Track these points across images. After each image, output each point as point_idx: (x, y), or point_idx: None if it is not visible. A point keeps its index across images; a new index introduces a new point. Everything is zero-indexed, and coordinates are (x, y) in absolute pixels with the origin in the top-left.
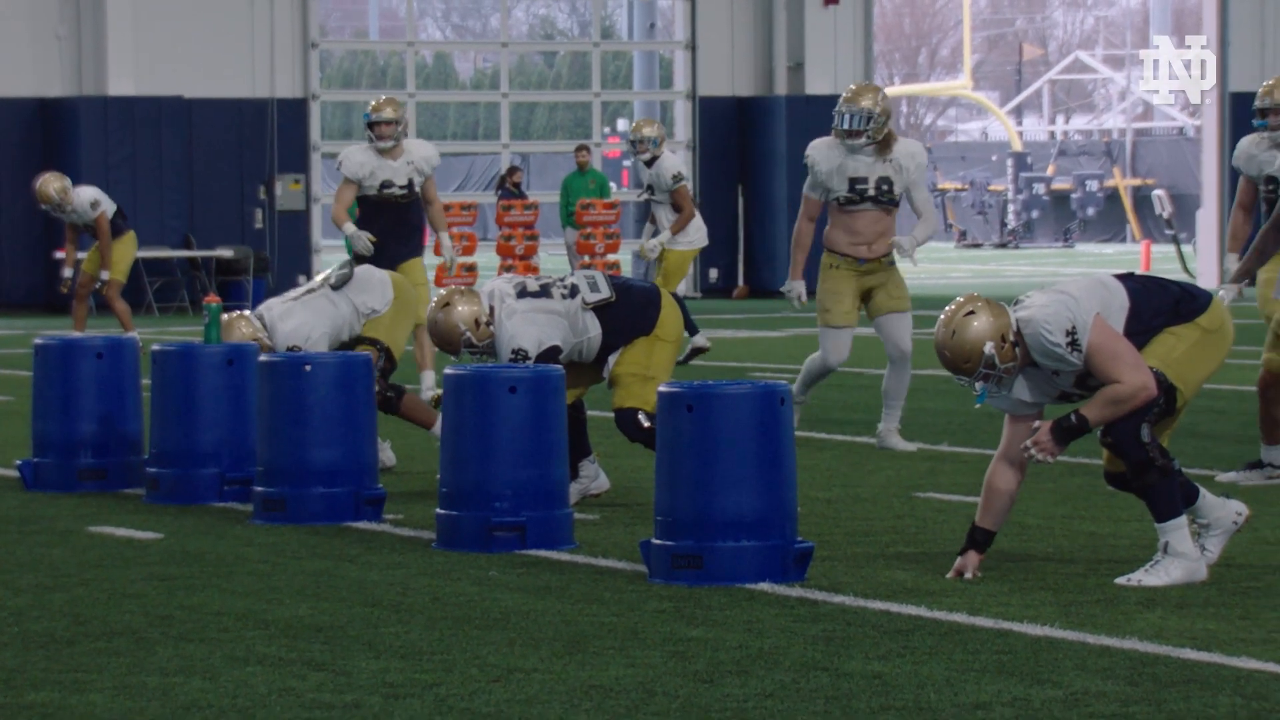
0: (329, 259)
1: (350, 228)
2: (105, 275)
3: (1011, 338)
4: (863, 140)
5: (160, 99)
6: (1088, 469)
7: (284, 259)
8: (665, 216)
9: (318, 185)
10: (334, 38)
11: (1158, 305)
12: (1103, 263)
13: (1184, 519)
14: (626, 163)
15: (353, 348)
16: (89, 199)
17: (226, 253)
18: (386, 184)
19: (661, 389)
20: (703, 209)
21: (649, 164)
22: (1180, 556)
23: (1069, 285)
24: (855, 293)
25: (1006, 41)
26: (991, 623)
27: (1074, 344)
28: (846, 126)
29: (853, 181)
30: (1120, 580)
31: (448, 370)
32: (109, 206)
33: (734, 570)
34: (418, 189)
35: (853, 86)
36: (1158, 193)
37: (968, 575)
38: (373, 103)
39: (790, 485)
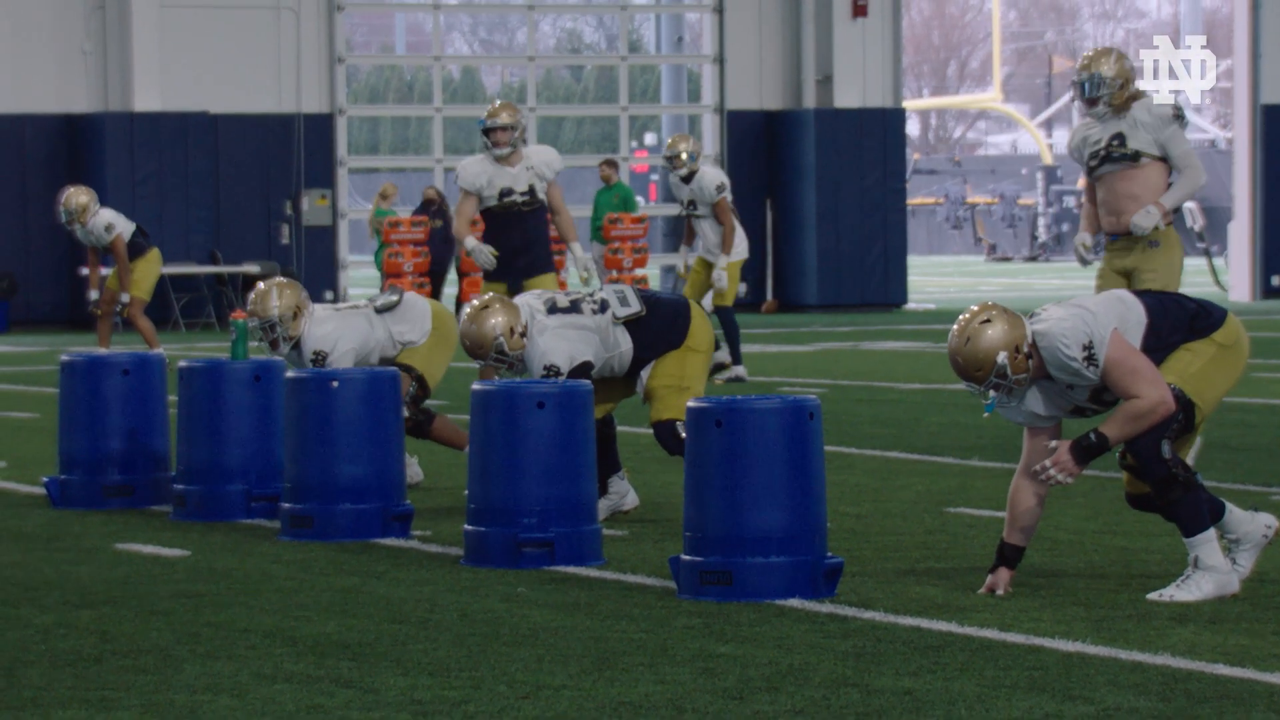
0: (355, 274)
1: (471, 241)
2: (125, 298)
3: (1026, 349)
4: (1100, 108)
5: (186, 114)
6: (1119, 483)
7: (310, 274)
8: (710, 230)
9: (344, 200)
10: (360, 53)
11: (1175, 321)
12: None
13: (1212, 532)
14: (654, 177)
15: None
16: (104, 223)
17: (253, 268)
18: (506, 192)
19: (690, 404)
20: None
21: (686, 180)
22: (1211, 570)
23: (1086, 300)
24: (1114, 277)
25: (1036, 54)
26: (1023, 639)
27: (1090, 359)
28: (1086, 95)
29: (1093, 150)
30: (1152, 596)
31: (475, 386)
32: (125, 229)
33: (763, 586)
34: (541, 196)
35: (1089, 52)
36: (1189, 205)
37: (999, 592)
38: (488, 108)
39: (820, 500)
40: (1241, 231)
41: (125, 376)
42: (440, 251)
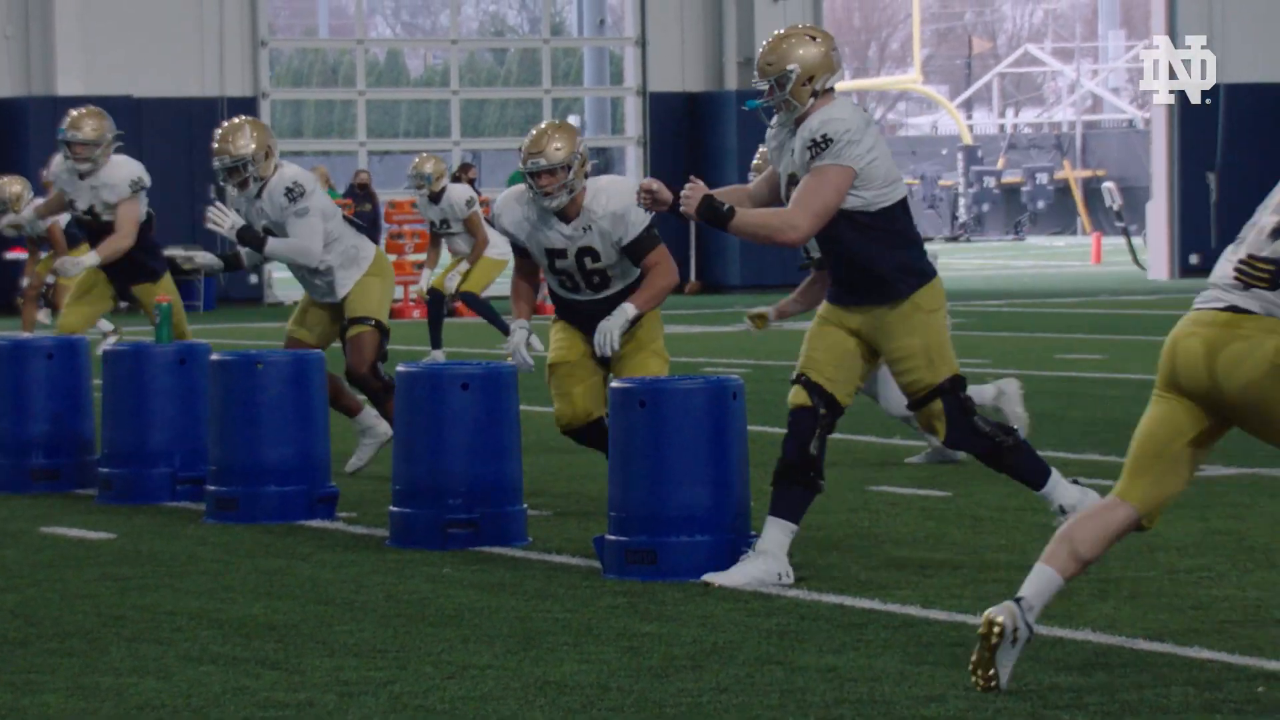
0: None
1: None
2: (51, 280)
3: (815, 88)
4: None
5: (109, 98)
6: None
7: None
8: (464, 244)
9: None
10: (283, 36)
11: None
12: (1054, 255)
13: (1056, 473)
14: None
15: (346, 330)
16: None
17: (178, 252)
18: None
19: (614, 384)
20: None
21: (435, 199)
22: (1080, 504)
23: (880, 147)
24: None
25: (956, 35)
26: (945, 615)
27: (819, 150)
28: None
29: None
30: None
31: (399, 367)
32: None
33: (688, 565)
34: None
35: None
36: (1107, 185)
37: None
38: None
39: (744, 480)
40: (1159, 211)
41: (49, 360)
42: (368, 236)
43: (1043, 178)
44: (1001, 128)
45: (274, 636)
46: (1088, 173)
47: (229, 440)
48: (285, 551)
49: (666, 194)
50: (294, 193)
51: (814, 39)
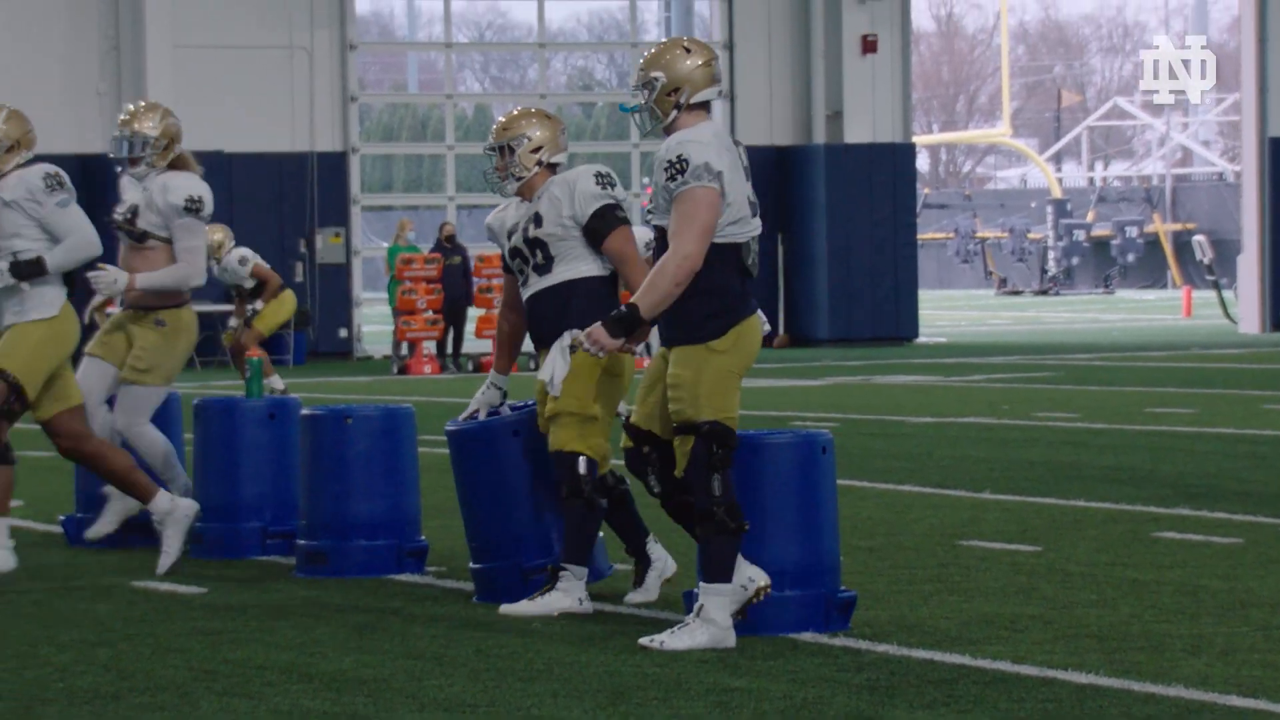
0: (370, 312)
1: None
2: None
3: (679, 100)
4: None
5: (200, 154)
6: (1131, 515)
7: (325, 312)
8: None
9: (358, 238)
10: (373, 91)
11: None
12: (1144, 308)
13: (729, 588)
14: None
15: None
16: (238, 256)
17: None
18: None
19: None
20: None
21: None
22: (710, 623)
23: (738, 184)
24: None
25: (1044, 88)
26: (1036, 671)
27: (676, 172)
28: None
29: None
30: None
31: (449, 426)
32: (260, 261)
33: (777, 620)
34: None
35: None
36: (1198, 238)
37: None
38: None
39: (833, 534)
40: (1250, 264)
41: None
42: (457, 289)
43: (1132, 231)
44: (1091, 181)
45: (364, 691)
46: (1178, 226)
47: (319, 494)
48: (375, 606)
49: (604, 340)
50: (193, 206)
51: (689, 51)
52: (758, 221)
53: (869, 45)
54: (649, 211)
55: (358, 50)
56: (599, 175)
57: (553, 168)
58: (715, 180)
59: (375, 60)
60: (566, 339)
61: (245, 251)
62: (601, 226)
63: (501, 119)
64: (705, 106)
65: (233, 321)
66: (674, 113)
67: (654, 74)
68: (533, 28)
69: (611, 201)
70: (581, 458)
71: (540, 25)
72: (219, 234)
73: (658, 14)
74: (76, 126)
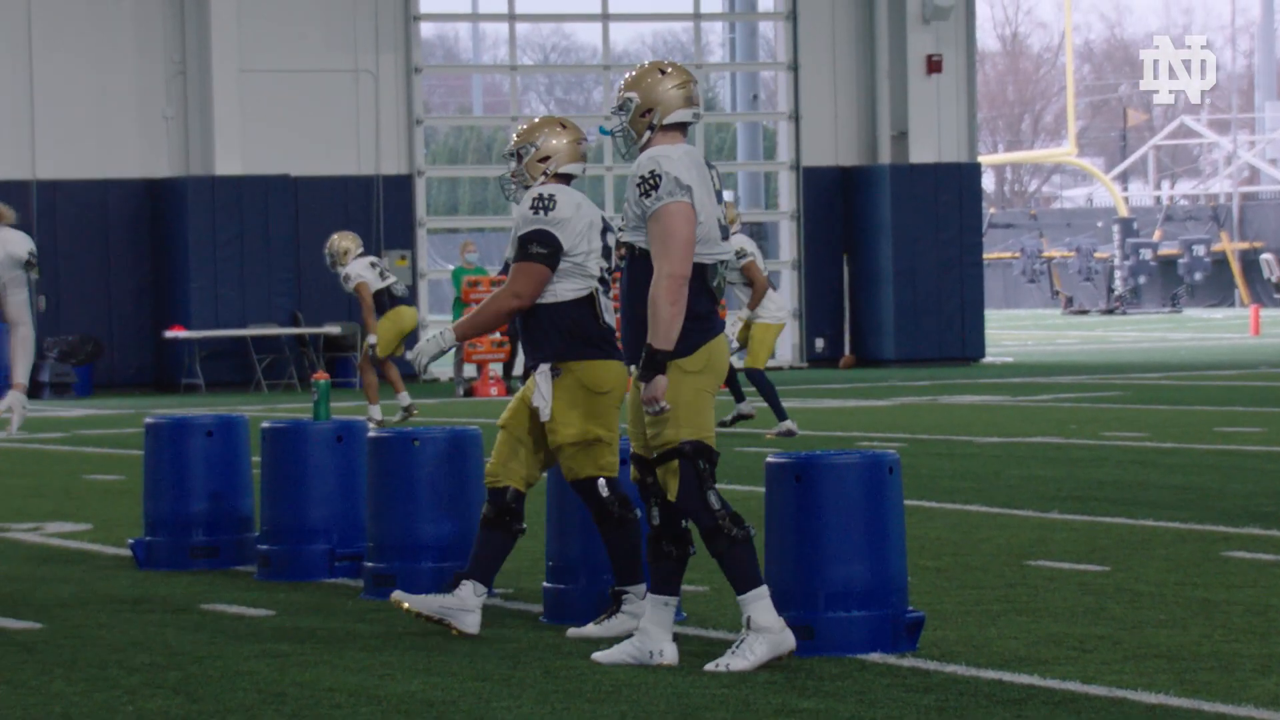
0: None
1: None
2: (371, 340)
3: (653, 121)
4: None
5: (267, 178)
6: (1200, 535)
7: None
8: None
9: (424, 261)
10: (438, 114)
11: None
12: (1211, 327)
13: (765, 589)
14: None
15: None
16: (344, 274)
17: (334, 329)
18: None
19: (770, 460)
20: (808, 278)
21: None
22: (763, 630)
23: (709, 206)
24: None
25: (1110, 107)
26: (1106, 691)
27: (648, 189)
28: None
29: None
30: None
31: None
32: (374, 282)
33: (845, 640)
34: None
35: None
36: (1265, 256)
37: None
38: None
39: (900, 554)
40: None
41: (209, 438)
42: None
43: (1200, 249)
44: (1158, 199)
45: (432, 713)
46: (1245, 244)
47: (386, 517)
48: (443, 628)
49: (651, 393)
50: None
51: (664, 73)
52: (727, 245)
53: (934, 65)
54: (619, 228)
55: (423, 73)
56: (536, 199)
57: (563, 178)
58: (686, 194)
59: (440, 83)
60: (544, 368)
61: (357, 269)
62: (518, 252)
63: (522, 125)
64: (682, 129)
65: (371, 338)
66: (647, 133)
67: (628, 95)
68: (597, 49)
69: (536, 229)
70: (599, 480)
71: (605, 47)
72: (347, 241)
73: (722, 35)
74: (144, 151)
